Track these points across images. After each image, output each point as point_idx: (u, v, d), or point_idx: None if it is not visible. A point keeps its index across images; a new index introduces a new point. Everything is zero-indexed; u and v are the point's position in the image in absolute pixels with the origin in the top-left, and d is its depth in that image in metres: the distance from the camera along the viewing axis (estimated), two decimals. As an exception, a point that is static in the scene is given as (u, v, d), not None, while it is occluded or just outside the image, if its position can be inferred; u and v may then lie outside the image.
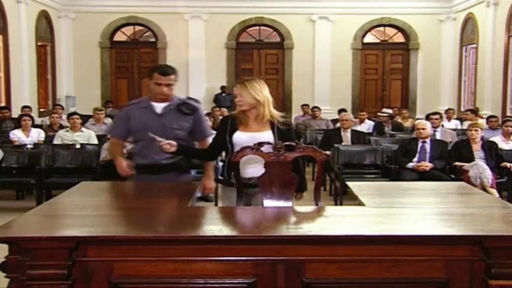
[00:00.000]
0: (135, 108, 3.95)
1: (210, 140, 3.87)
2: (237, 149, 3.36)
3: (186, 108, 3.90)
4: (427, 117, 8.80)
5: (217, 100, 14.50)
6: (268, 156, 3.13)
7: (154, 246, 2.31)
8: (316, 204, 3.22)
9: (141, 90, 15.62)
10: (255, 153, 3.16)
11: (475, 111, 11.51)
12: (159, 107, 3.87)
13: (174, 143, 3.54)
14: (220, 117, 10.16)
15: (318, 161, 3.28)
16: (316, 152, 3.22)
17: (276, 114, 3.53)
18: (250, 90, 3.48)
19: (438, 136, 8.05)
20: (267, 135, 3.41)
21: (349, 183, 3.58)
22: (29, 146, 7.89)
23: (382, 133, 9.66)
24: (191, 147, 3.92)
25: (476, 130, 7.13)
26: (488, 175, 6.54)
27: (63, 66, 14.89)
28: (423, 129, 7.06)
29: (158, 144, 3.52)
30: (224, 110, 11.66)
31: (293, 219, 2.77)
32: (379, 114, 10.67)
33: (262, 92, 3.51)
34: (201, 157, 3.96)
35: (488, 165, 6.71)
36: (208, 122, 7.94)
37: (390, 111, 11.06)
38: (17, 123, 9.11)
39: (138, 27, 15.69)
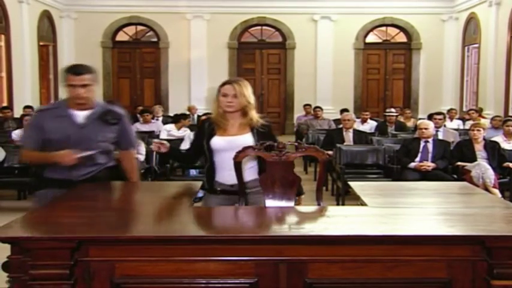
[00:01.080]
0: (49, 116, 3.43)
1: (135, 150, 3.82)
2: (216, 155, 3.35)
3: (112, 117, 3.51)
4: (430, 117, 8.79)
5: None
6: (270, 156, 3.12)
7: (156, 246, 2.31)
8: (318, 204, 3.21)
9: (143, 90, 15.66)
10: (256, 152, 3.15)
11: (479, 111, 11.50)
12: (80, 115, 3.42)
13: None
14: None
15: (320, 161, 3.27)
16: (319, 152, 3.21)
17: (257, 116, 3.42)
18: (245, 91, 3.36)
19: (440, 136, 8.04)
20: (247, 139, 3.33)
21: (351, 183, 3.57)
22: (30, 146, 7.89)
23: (384, 133, 9.66)
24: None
25: (478, 130, 7.12)
26: (490, 175, 6.53)
27: (65, 66, 14.88)
28: (426, 129, 7.05)
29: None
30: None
31: (295, 219, 2.77)
32: (386, 114, 10.64)
33: (252, 94, 3.42)
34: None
35: (490, 165, 6.71)
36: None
37: (394, 110, 11.05)
38: (19, 123, 9.13)
39: (140, 27, 15.69)
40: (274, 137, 3.43)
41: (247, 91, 3.37)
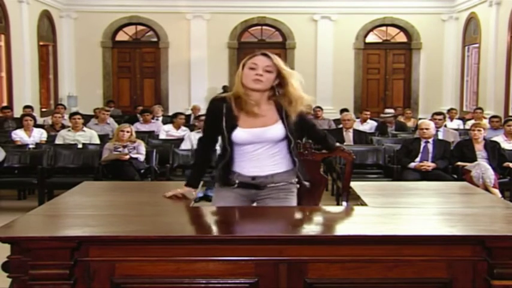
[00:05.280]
0: None
1: None
2: (236, 147, 2.81)
3: None
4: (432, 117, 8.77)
5: (219, 100, 14.47)
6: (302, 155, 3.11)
7: (157, 246, 2.30)
8: (343, 205, 3.24)
9: (143, 90, 15.66)
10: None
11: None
12: None
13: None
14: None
15: (347, 161, 3.30)
16: (345, 153, 3.23)
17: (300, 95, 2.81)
18: (282, 63, 2.78)
19: (440, 136, 8.04)
20: (277, 130, 2.80)
21: (351, 183, 3.57)
22: (31, 146, 7.91)
23: (385, 133, 9.65)
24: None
25: (479, 130, 7.10)
26: (490, 175, 6.52)
27: (65, 65, 14.91)
28: (426, 129, 7.04)
29: None
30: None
31: (295, 219, 2.76)
32: (382, 115, 10.66)
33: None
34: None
35: (490, 165, 6.70)
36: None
37: (392, 110, 11.03)
38: (19, 123, 9.12)
39: (140, 27, 15.70)
40: (309, 122, 3.07)
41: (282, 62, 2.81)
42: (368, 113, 10.99)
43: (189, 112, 13.38)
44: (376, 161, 7.43)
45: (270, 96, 2.81)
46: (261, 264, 2.30)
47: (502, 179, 6.81)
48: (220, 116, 2.79)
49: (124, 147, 7.07)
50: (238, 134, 2.78)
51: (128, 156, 6.86)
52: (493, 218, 2.72)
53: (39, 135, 8.49)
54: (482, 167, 6.59)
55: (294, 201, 2.96)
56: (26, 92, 12.34)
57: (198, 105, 13.32)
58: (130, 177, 6.51)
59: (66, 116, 10.55)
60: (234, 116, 2.78)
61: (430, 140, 7.06)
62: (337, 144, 3.33)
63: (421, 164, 6.84)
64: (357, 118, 10.54)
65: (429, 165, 6.81)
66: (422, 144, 7.02)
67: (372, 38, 15.90)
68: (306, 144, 3.13)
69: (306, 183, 2.96)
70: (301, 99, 2.78)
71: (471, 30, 14.28)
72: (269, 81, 2.75)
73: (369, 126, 10.53)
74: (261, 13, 15.16)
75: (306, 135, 3.12)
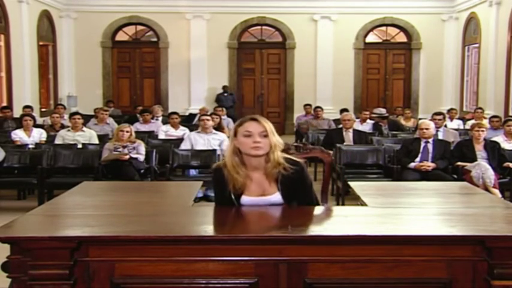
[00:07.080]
0: None
1: None
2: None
3: None
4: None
5: (219, 100, 14.50)
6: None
7: (156, 246, 2.30)
8: (323, 206, 3.21)
9: (143, 90, 15.65)
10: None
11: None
12: None
13: None
14: (224, 118, 10.10)
15: (325, 163, 3.27)
16: (324, 153, 3.22)
17: (282, 159, 2.83)
18: (273, 128, 2.84)
19: (440, 136, 8.03)
20: (276, 200, 2.89)
21: (351, 183, 3.57)
22: (30, 146, 7.90)
23: (381, 133, 9.66)
24: None
25: (482, 131, 7.08)
26: (490, 175, 6.52)
27: (64, 65, 14.90)
28: (426, 129, 7.03)
29: None
30: (224, 110, 11.59)
31: (295, 219, 2.76)
32: (372, 115, 10.70)
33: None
34: None
35: (490, 165, 6.69)
36: (211, 122, 7.94)
37: (382, 110, 11.02)
38: (19, 123, 9.12)
39: (139, 27, 15.69)
40: (305, 182, 2.90)
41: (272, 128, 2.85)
42: (367, 113, 10.97)
43: (191, 112, 13.35)
44: (376, 161, 7.42)
45: (266, 160, 2.84)
46: (261, 264, 2.30)
47: (502, 179, 6.80)
48: (227, 184, 2.85)
49: (124, 147, 7.07)
50: (245, 201, 2.87)
51: (127, 156, 6.86)
52: (493, 218, 2.72)
53: (38, 135, 8.49)
54: (482, 167, 6.59)
55: None
56: (26, 92, 12.34)
57: (206, 107, 13.04)
58: (130, 177, 6.51)
59: (66, 116, 10.55)
60: (236, 185, 2.84)
61: (430, 140, 7.06)
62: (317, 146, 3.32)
63: (421, 164, 6.84)
64: (357, 118, 10.54)
65: (429, 165, 6.80)
66: (422, 144, 7.02)
67: (371, 38, 15.89)
68: (285, 147, 3.11)
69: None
70: (277, 163, 2.81)
71: (471, 30, 14.28)
72: (267, 145, 2.79)
73: (369, 126, 10.53)
74: (261, 13, 15.15)
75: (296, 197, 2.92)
